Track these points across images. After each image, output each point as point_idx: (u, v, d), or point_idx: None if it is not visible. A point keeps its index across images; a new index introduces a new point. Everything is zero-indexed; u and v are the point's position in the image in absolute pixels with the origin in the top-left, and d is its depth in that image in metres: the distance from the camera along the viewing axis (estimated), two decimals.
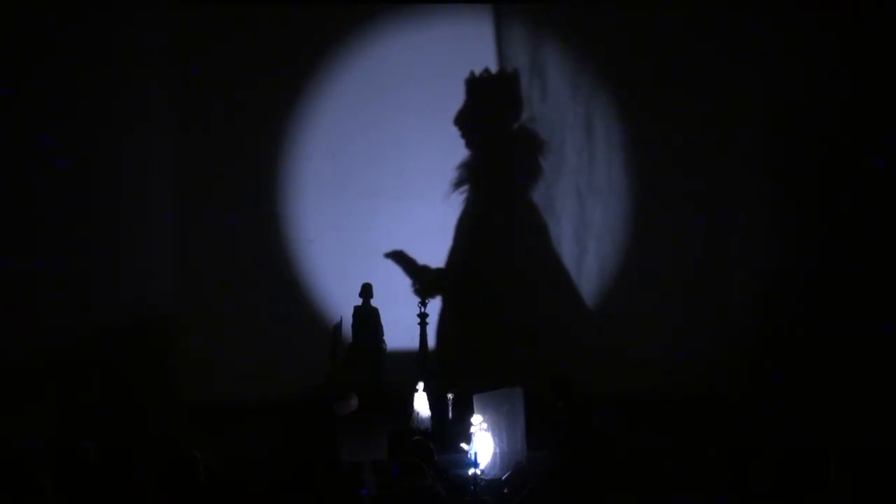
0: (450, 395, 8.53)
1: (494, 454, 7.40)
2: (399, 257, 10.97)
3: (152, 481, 5.06)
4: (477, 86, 11.04)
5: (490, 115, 11.12)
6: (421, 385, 8.55)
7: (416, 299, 10.33)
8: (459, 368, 10.42)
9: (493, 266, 11.05)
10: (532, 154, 11.15)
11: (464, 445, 7.26)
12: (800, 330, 10.03)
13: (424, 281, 10.90)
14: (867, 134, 9.91)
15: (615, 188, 11.16)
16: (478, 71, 11.04)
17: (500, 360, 10.39)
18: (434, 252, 11.05)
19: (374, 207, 10.92)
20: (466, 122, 11.06)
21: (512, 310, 10.89)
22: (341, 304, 10.47)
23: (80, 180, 9.64)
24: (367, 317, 10.37)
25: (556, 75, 11.12)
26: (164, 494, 4.92)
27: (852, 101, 9.93)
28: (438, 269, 11.05)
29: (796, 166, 10.26)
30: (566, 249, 11.18)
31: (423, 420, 8.37)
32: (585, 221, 11.18)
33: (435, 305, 10.86)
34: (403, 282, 10.97)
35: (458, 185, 11.13)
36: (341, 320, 10.31)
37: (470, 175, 11.15)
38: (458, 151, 11.11)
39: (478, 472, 6.53)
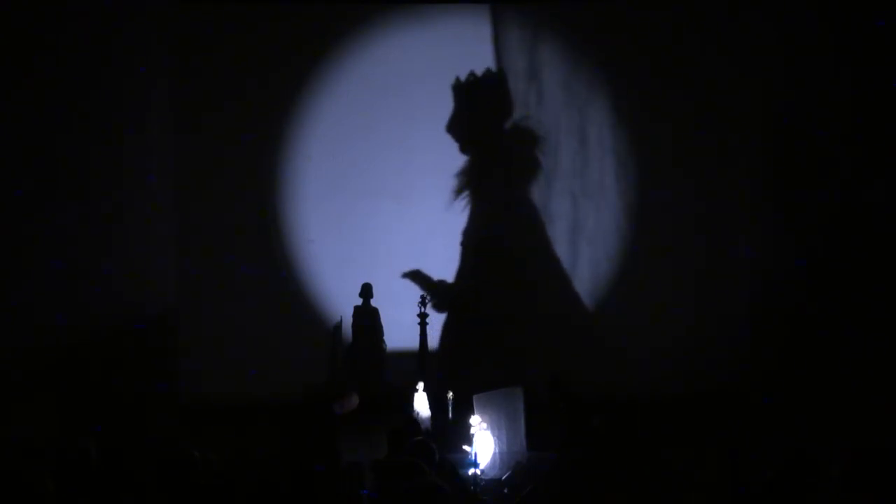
0: (450, 395, 8.53)
1: (494, 454, 7.40)
2: (416, 276, 10.96)
3: (152, 481, 5.05)
4: (464, 91, 11.03)
5: (481, 119, 11.11)
6: (421, 385, 8.55)
7: (417, 299, 10.33)
8: (460, 369, 10.42)
9: (494, 266, 11.04)
10: (530, 150, 11.14)
11: (465, 448, 7.26)
12: (798, 331, 10.03)
13: (439, 293, 10.88)
14: (868, 135, 9.90)
15: (609, 192, 11.16)
16: (478, 72, 11.05)
17: (501, 361, 10.39)
18: (434, 252, 11.04)
19: (374, 207, 10.93)
20: (458, 128, 11.05)
21: (513, 310, 10.88)
22: (341, 305, 10.47)
23: (79, 180, 9.64)
24: (367, 317, 10.37)
25: (552, 75, 11.12)
26: (164, 494, 4.90)
27: (852, 103, 9.92)
28: (453, 283, 11.06)
29: (793, 168, 10.26)
30: (560, 252, 11.18)
31: (423, 420, 8.36)
32: (579, 225, 11.17)
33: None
34: (403, 282, 10.97)
35: (457, 185, 11.12)
36: (341, 320, 10.31)
37: (469, 176, 11.14)
38: (457, 151, 11.11)
39: (478, 472, 6.53)
